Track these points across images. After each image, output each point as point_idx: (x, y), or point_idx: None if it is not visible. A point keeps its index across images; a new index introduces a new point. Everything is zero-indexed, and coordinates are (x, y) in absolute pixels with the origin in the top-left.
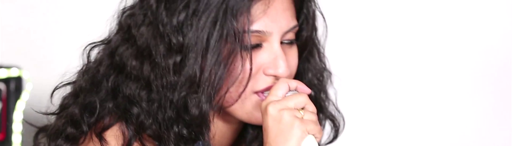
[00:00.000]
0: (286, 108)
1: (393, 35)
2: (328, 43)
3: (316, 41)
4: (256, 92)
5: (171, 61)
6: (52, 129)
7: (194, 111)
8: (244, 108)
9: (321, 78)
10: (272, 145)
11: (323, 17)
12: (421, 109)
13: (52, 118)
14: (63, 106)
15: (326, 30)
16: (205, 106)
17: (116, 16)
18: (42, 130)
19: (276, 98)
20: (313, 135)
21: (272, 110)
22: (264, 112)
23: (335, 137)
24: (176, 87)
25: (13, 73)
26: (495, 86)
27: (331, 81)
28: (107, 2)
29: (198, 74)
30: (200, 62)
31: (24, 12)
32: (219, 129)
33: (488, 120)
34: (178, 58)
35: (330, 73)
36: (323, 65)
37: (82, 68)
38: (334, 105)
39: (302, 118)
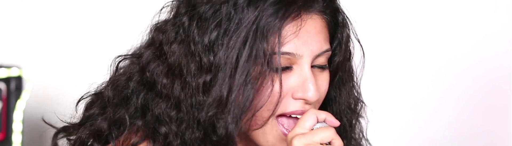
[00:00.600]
0: (311, 143)
1: (393, 36)
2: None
3: (350, 69)
4: (280, 116)
5: (201, 81)
6: (76, 138)
7: (221, 131)
8: (264, 133)
9: (352, 106)
10: None
11: (361, 46)
12: (421, 109)
13: (65, 118)
14: (88, 117)
15: (364, 59)
16: (231, 127)
17: (148, 30)
18: (61, 130)
19: (303, 131)
20: None
21: (297, 145)
22: (289, 145)
23: None
24: (204, 107)
25: (13, 72)
26: (495, 86)
27: (364, 111)
28: (107, 2)
29: (225, 94)
30: (228, 82)
31: (24, 12)
32: None
33: (487, 121)
34: (208, 78)
35: (363, 103)
36: (356, 94)
37: (110, 80)
38: (364, 136)
39: None
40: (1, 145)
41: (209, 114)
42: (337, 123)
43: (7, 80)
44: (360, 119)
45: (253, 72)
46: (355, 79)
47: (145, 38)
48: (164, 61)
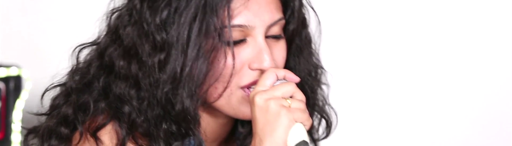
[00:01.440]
0: (272, 97)
1: (390, 33)
2: (324, 41)
3: (307, 37)
4: (242, 87)
5: (156, 59)
6: (44, 129)
7: (178, 106)
8: (230, 104)
9: (313, 74)
10: (260, 135)
11: (315, 12)
12: (418, 107)
13: (43, 119)
14: (54, 107)
15: (320, 26)
16: (187, 102)
17: (105, 17)
18: (32, 131)
19: (264, 88)
20: (301, 123)
21: (258, 100)
22: (251, 102)
23: (328, 133)
24: (160, 83)
25: (12, 72)
26: (494, 86)
27: (325, 78)
28: (107, 3)
29: (179, 70)
30: (181, 58)
31: (24, 12)
32: (210, 125)
33: (487, 121)
34: (162, 56)
35: (323, 69)
36: (316, 61)
37: (72, 69)
38: (326, 102)
39: (289, 106)
40: (0, 145)
41: (165, 90)
42: (297, 79)
43: (6, 80)
44: (322, 85)
45: (205, 46)
46: (313, 46)
47: (102, 26)
48: (120, 44)
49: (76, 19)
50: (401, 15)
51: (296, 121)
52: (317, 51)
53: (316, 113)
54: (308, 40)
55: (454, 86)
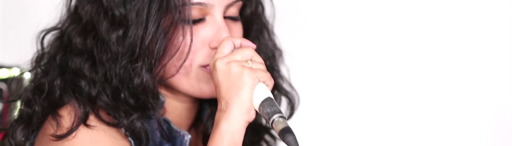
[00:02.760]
0: (233, 60)
1: (388, 33)
2: (322, 41)
3: (264, 20)
4: (204, 66)
5: (114, 35)
6: (13, 117)
7: (136, 80)
8: (189, 81)
9: (272, 56)
10: (226, 97)
11: None
12: (417, 107)
13: None
14: (20, 93)
15: (274, 9)
16: (146, 76)
17: (64, 2)
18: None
19: (223, 56)
20: (263, 82)
21: (220, 65)
22: (212, 69)
23: (291, 113)
24: (118, 57)
25: (14, 73)
26: (494, 86)
27: (282, 58)
28: None
29: (138, 44)
30: (141, 32)
31: (24, 12)
32: (177, 110)
33: (487, 121)
34: (121, 31)
35: (280, 51)
36: (273, 43)
37: (36, 56)
38: (287, 82)
39: (251, 67)
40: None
41: (123, 63)
42: (253, 45)
43: (8, 81)
44: (282, 66)
45: (164, 22)
46: (270, 29)
47: (64, 9)
48: (79, 22)
49: None
50: (399, 15)
51: (259, 80)
52: (273, 34)
53: (278, 93)
54: (265, 23)
55: (453, 86)
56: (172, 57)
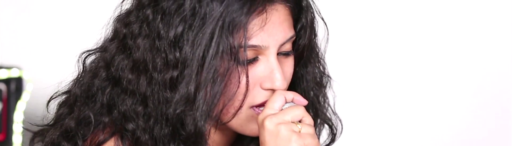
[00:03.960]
0: (283, 122)
1: (391, 36)
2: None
3: (315, 46)
4: (253, 107)
5: (167, 77)
6: (47, 141)
7: (190, 128)
8: (238, 121)
9: (319, 82)
10: None
11: (324, 22)
12: (420, 111)
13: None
14: (58, 117)
15: (328, 35)
16: (200, 124)
17: (111, 22)
18: (37, 134)
19: (273, 111)
20: None
21: (269, 125)
22: (261, 126)
23: (332, 141)
24: (172, 103)
25: (13, 73)
26: (494, 86)
27: (330, 85)
28: (109, 3)
29: (193, 91)
30: (195, 79)
31: (24, 12)
32: (215, 141)
33: (487, 121)
34: (175, 74)
35: (329, 77)
36: (322, 70)
37: (77, 77)
38: (332, 109)
39: (300, 132)
40: None
41: (177, 111)
42: (305, 102)
43: (7, 81)
44: (328, 93)
45: (220, 68)
46: (320, 55)
47: (108, 31)
48: (129, 55)
49: (78, 20)
50: (401, 16)
51: None
52: (323, 59)
53: (321, 121)
54: (316, 51)
55: (453, 86)
56: (229, 101)
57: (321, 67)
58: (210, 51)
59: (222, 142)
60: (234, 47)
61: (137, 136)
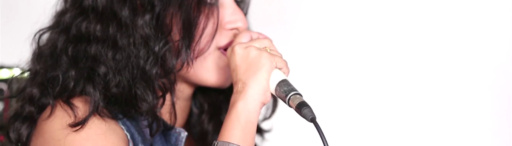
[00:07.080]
0: (251, 46)
1: (391, 36)
2: (316, 42)
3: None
4: (220, 48)
5: (140, 20)
6: (11, 116)
7: (170, 61)
8: (206, 65)
9: None
10: (243, 79)
11: None
12: (420, 111)
13: None
14: (20, 90)
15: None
16: (184, 55)
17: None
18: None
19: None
20: (280, 69)
21: (238, 49)
22: (231, 53)
23: (272, 112)
24: (150, 40)
25: (15, 73)
26: (494, 86)
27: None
28: None
29: (169, 24)
30: (171, 17)
31: (25, 12)
32: (169, 104)
33: (487, 121)
34: (148, 16)
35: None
36: None
37: (34, 54)
38: None
39: (269, 52)
40: None
41: (161, 45)
42: (270, 39)
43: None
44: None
45: (189, 3)
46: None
47: (58, 8)
48: (90, 13)
49: None
50: (399, 15)
51: (276, 65)
52: None
53: None
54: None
55: (453, 86)
56: (199, 39)
57: None
58: None
59: (183, 96)
60: None
61: (109, 79)
